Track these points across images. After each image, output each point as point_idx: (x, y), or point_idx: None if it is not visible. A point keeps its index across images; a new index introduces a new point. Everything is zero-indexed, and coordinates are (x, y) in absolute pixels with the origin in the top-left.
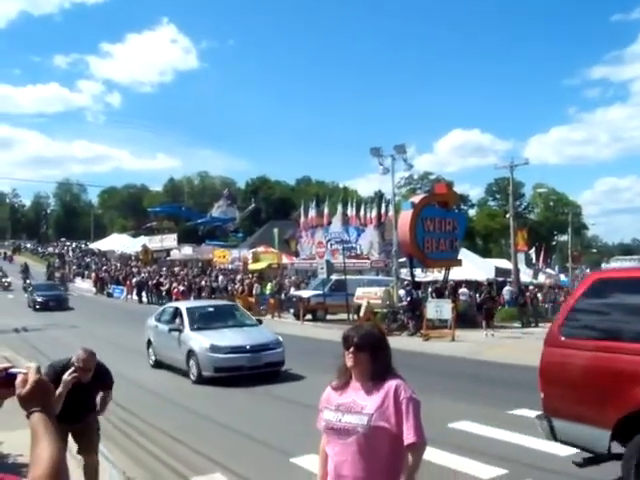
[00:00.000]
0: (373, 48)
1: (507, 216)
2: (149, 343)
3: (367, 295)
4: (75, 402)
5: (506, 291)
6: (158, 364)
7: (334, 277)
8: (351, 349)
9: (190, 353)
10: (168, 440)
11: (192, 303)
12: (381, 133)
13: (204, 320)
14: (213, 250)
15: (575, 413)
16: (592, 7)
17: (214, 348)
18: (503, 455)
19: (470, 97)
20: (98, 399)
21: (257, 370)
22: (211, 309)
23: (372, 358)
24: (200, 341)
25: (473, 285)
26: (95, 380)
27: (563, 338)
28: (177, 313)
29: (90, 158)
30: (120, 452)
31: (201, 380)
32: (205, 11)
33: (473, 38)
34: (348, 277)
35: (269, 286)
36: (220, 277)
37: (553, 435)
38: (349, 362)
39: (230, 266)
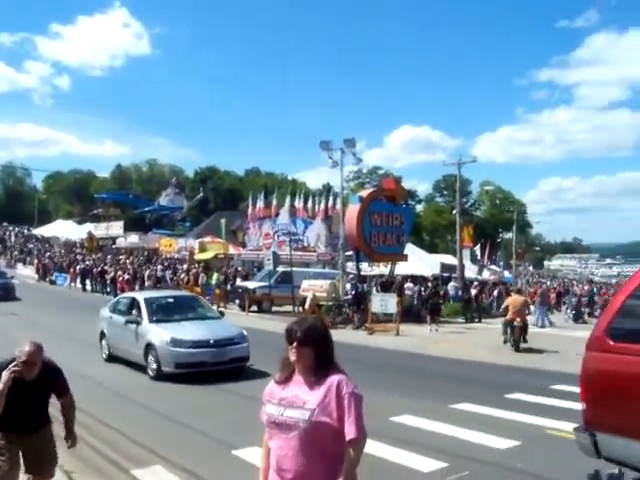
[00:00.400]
0: (326, 42)
1: (454, 212)
2: (102, 335)
3: (313, 288)
4: (20, 405)
5: (451, 286)
6: (112, 358)
7: (280, 269)
8: (294, 344)
9: (149, 347)
10: (110, 432)
11: (150, 293)
12: (333, 126)
13: (164, 312)
14: (160, 239)
15: (625, 427)
16: (541, 11)
17: (175, 342)
18: (443, 448)
19: (421, 93)
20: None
21: (221, 366)
22: (171, 300)
23: (315, 353)
24: (160, 334)
25: (419, 280)
26: (42, 380)
27: (612, 342)
28: (134, 304)
29: (36, 141)
30: (58, 445)
31: (160, 376)
32: None
33: (426, 34)
34: (294, 269)
35: (215, 276)
36: (159, 267)
37: (596, 451)
38: (292, 357)
39: (176, 255)
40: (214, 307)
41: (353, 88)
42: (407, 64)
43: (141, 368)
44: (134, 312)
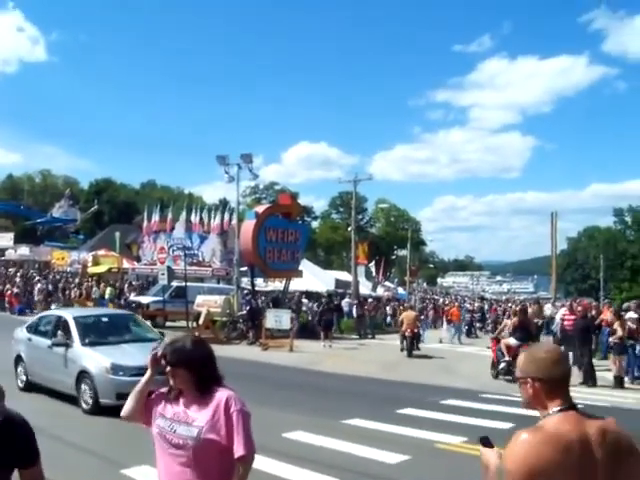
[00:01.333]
0: (223, 55)
1: (349, 229)
2: (19, 360)
3: (207, 303)
4: None
5: (345, 303)
6: (31, 386)
7: (175, 284)
8: (168, 368)
9: (82, 375)
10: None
11: (80, 311)
12: (232, 141)
13: (97, 333)
14: (52, 251)
15: None
16: (437, 35)
17: (116, 368)
18: (334, 463)
19: (318, 110)
20: None
21: None
22: (105, 319)
23: (189, 373)
24: (97, 360)
25: (313, 296)
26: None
27: None
28: (61, 324)
29: None
30: None
31: (97, 409)
32: (56, 0)
33: (323, 51)
34: (189, 284)
35: (108, 290)
36: (50, 280)
37: None
38: (170, 379)
39: (69, 269)
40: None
41: (252, 103)
42: (305, 81)
43: (70, 399)
44: (60, 333)
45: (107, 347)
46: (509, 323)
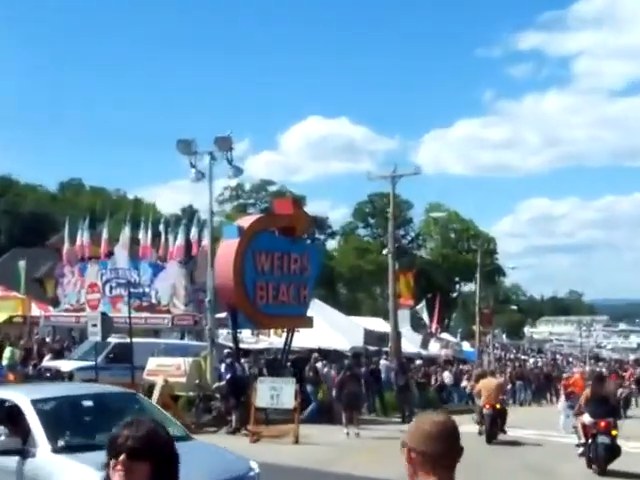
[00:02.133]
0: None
1: (385, 252)
2: None
3: (165, 369)
4: None
5: (382, 366)
6: None
7: (113, 340)
8: (121, 457)
9: None
10: None
11: (44, 391)
12: (201, 123)
13: (78, 429)
14: None
15: None
16: None
17: None
18: None
19: (334, 70)
20: None
21: None
22: (88, 403)
23: (153, 473)
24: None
25: (330, 357)
26: None
27: None
28: (13, 414)
29: None
30: None
31: None
32: None
33: None
34: (136, 340)
35: (8, 352)
36: None
37: None
38: (116, 478)
39: None
40: None
41: (230, 70)
42: (315, 35)
43: None
44: (9, 432)
45: (97, 454)
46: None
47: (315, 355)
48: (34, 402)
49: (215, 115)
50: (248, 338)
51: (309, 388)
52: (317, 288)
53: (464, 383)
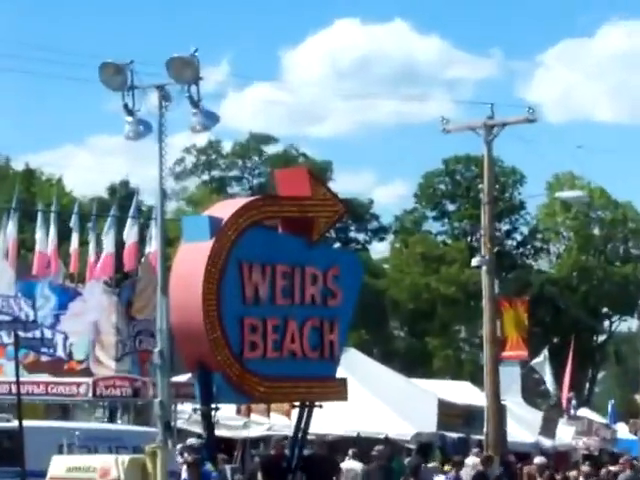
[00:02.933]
0: None
1: (474, 263)
2: None
3: (82, 476)
4: None
5: (469, 465)
6: None
7: None
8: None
9: None
10: None
11: None
12: (142, 39)
13: None
14: None
15: None
16: None
17: None
18: None
19: None
20: None
21: None
22: None
23: None
24: None
25: (386, 451)
26: None
27: None
28: None
29: None
30: None
31: None
32: None
33: None
34: (29, 425)
35: None
36: None
37: None
38: None
39: None
40: None
41: None
42: None
43: None
44: None
45: None
46: None
47: (352, 451)
48: None
49: (169, 24)
50: (231, 420)
51: None
52: (355, 328)
53: None
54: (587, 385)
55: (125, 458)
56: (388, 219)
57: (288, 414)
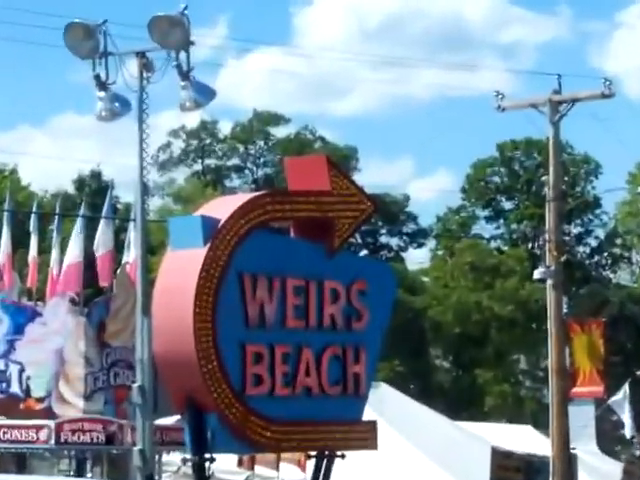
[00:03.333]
0: None
1: (537, 275)
2: None
3: None
4: None
5: None
6: None
7: None
8: None
9: None
10: None
11: None
12: None
13: None
14: None
15: None
16: None
17: None
18: None
19: None
20: None
21: None
22: None
23: None
24: None
25: None
26: None
27: None
28: None
29: None
30: None
31: None
32: None
33: None
34: None
35: None
36: None
37: None
38: None
39: None
40: None
41: None
42: None
43: None
44: None
45: None
46: None
47: None
48: None
49: None
50: (231, 474)
51: None
52: (387, 357)
53: None
54: None
55: None
56: (428, 220)
57: (302, 466)
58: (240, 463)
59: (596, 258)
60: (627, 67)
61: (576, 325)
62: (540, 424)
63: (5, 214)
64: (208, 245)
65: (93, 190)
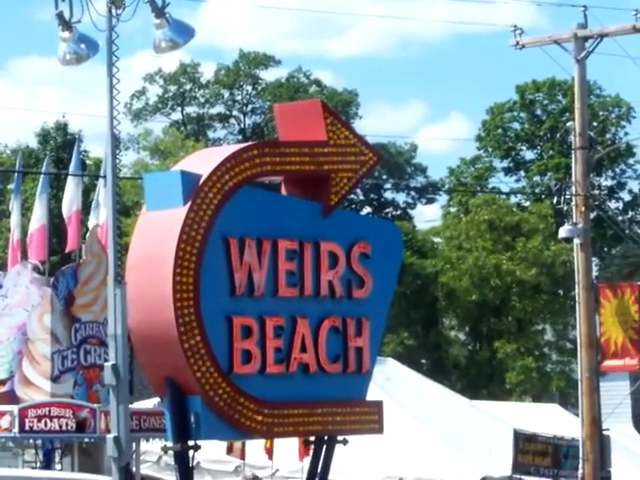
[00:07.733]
0: None
1: (562, 234)
2: None
3: None
4: None
5: None
6: None
7: None
8: None
9: None
10: None
11: None
12: None
13: None
14: None
15: None
16: None
17: None
18: None
19: None
20: None
21: None
22: None
23: None
24: None
25: None
26: None
27: None
28: None
29: None
30: None
31: None
32: None
33: None
34: None
35: None
36: None
37: None
38: None
39: None
40: None
41: None
42: None
43: None
44: None
45: None
46: None
47: None
48: None
49: None
50: (218, 463)
51: None
52: (394, 329)
53: None
54: None
55: None
56: (439, 173)
57: (299, 454)
58: (229, 451)
59: (630, 214)
60: None
61: (608, 290)
62: (568, 402)
63: None
64: (189, 204)
65: (58, 144)
